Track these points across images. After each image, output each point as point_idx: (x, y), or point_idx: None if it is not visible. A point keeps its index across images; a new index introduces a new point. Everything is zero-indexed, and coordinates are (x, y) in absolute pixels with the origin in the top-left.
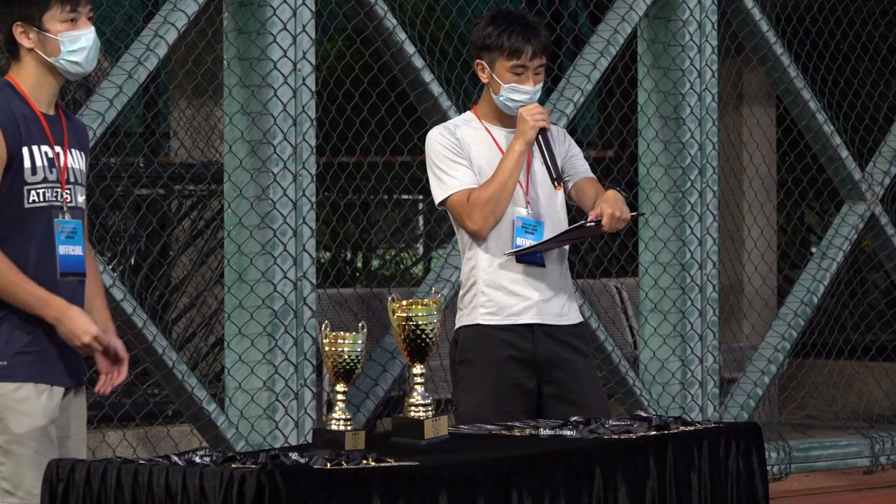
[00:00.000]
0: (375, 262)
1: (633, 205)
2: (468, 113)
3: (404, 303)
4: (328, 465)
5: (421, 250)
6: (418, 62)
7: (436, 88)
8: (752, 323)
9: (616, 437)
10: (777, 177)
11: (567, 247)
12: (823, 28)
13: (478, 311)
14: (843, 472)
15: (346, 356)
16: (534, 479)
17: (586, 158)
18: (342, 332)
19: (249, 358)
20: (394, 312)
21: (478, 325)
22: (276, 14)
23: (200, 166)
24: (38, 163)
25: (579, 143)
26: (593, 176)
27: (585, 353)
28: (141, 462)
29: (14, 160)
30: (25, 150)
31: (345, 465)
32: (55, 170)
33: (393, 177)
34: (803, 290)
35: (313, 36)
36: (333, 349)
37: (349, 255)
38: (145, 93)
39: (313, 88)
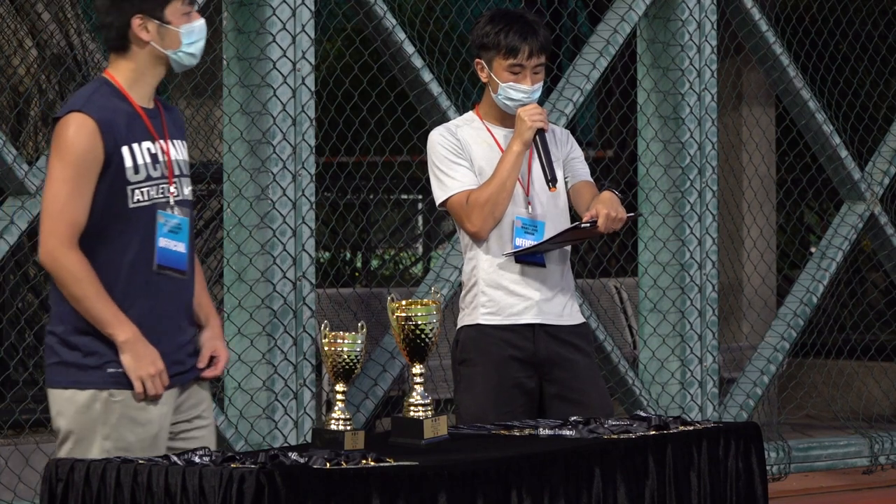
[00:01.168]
0: (375, 262)
1: (632, 205)
2: (470, 113)
3: (403, 303)
4: (327, 464)
5: (420, 250)
6: (417, 62)
7: (435, 88)
8: (751, 323)
9: (615, 436)
10: (776, 177)
11: (569, 248)
12: (823, 28)
13: (478, 311)
14: (842, 472)
15: (346, 356)
16: (533, 478)
17: (586, 158)
18: (341, 332)
19: (249, 358)
20: (393, 312)
21: (478, 324)
22: (276, 14)
23: (200, 166)
24: (140, 161)
25: (578, 143)
26: (591, 180)
27: (587, 352)
28: (140, 462)
29: (112, 161)
30: (126, 149)
31: (344, 465)
32: (159, 165)
33: (392, 177)
34: (803, 289)
35: (312, 36)
36: (333, 349)
37: (348, 255)
38: None
39: (312, 88)
